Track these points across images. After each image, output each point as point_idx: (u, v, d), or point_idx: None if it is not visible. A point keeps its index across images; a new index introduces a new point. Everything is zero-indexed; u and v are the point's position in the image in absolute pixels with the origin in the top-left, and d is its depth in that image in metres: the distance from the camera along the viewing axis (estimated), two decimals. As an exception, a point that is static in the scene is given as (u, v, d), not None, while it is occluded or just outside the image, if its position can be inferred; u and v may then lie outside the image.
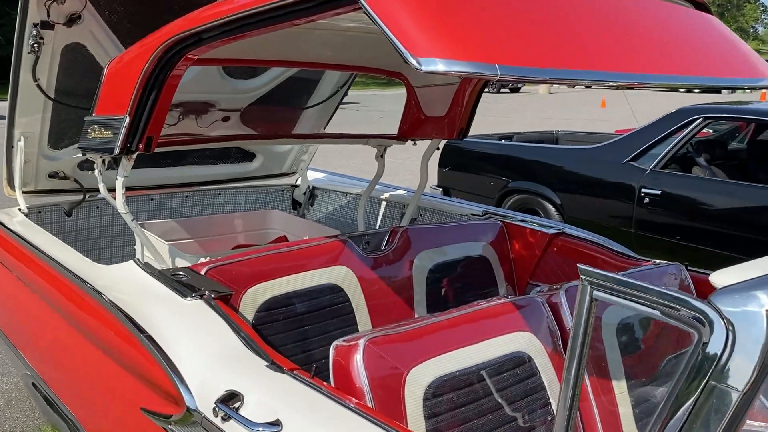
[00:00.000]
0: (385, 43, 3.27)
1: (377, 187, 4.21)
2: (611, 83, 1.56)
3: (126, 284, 2.28)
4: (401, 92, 3.64)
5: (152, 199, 4.05)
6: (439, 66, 1.41)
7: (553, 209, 6.03)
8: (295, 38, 2.86)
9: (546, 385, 2.02)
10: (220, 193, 4.37)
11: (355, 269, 2.68)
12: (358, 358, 1.73)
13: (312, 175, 4.63)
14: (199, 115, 3.83)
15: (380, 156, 3.82)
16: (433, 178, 7.41)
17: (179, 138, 3.12)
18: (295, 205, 4.69)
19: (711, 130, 6.62)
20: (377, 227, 4.18)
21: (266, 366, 1.77)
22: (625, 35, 1.73)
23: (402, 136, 3.69)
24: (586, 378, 2.14)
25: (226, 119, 3.96)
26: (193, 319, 2.02)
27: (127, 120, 2.41)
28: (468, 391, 1.84)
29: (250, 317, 2.38)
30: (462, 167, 6.81)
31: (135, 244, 3.49)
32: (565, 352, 2.14)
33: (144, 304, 2.12)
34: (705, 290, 2.61)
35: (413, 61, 1.42)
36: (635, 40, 1.75)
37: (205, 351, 1.88)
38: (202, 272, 2.35)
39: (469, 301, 3.02)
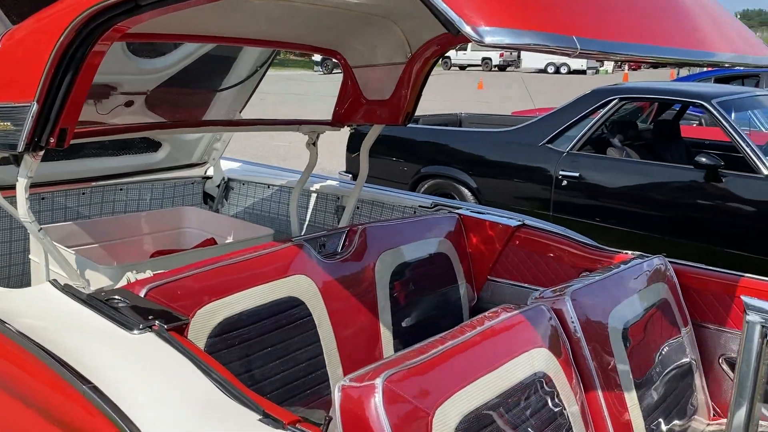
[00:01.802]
0: (324, 17, 2.93)
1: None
2: (692, 61, 1.32)
3: (46, 315, 1.82)
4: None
5: (43, 198, 3.47)
6: (506, 38, 1.10)
7: (468, 193, 5.88)
8: (229, 10, 2.45)
9: (566, 405, 1.79)
10: (121, 189, 3.83)
11: (314, 278, 2.34)
12: (377, 402, 1.40)
13: (226, 165, 4.18)
14: (98, 100, 3.29)
15: (312, 144, 3.45)
16: (340, 163, 7.08)
17: (92, 129, 2.61)
18: (207, 199, 4.22)
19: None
20: (306, 222, 3.82)
21: (259, 420, 1.41)
22: (674, 13, 1.50)
23: (338, 122, 3.35)
24: (600, 394, 1.93)
25: (129, 104, 3.44)
26: (147, 360, 1.61)
27: (35, 108, 1.92)
28: (495, 427, 1.57)
29: (202, 344, 1.98)
30: (372, 152, 6.49)
31: (30, 258, 2.94)
32: (575, 363, 1.92)
33: (76, 342, 1.68)
34: (687, 282, 2.48)
35: (471, 32, 1.10)
36: (683, 18, 1.52)
37: (171, 403, 1.48)
38: (141, 294, 1.92)
39: (433, 303, 2.77)
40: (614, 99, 5.29)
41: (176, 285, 2.00)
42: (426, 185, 6.18)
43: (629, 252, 2.67)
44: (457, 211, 3.05)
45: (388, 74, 3.12)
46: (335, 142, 5.95)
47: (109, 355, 1.63)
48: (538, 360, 1.76)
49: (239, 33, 2.80)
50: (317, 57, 40.15)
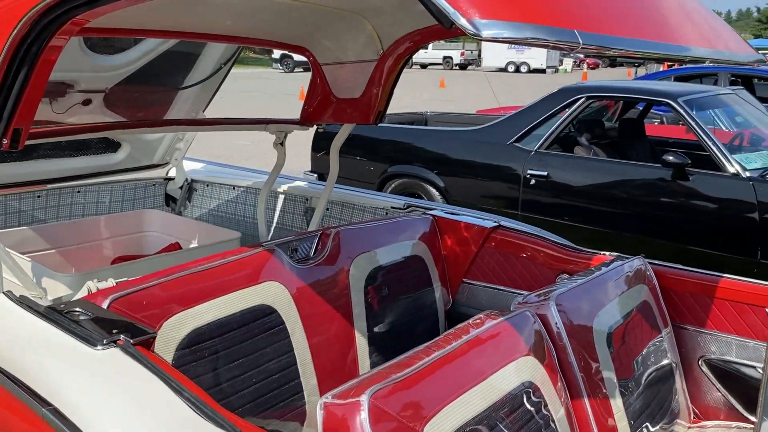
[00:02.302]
0: (292, 12, 2.83)
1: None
2: (690, 58, 1.26)
3: (0, 330, 1.68)
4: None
5: (-5, 202, 3.29)
6: (504, 31, 1.02)
7: (436, 193, 5.82)
8: (193, 4, 2.33)
9: (553, 414, 1.73)
10: (79, 191, 3.66)
11: (287, 284, 2.24)
12: (363, 420, 1.32)
13: (188, 166, 4.04)
14: (53, 98, 3.13)
15: (280, 144, 3.34)
16: (303, 162, 6.96)
17: (48, 129, 2.47)
18: (169, 201, 4.07)
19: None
20: (274, 224, 3.71)
21: (238, 443, 1.31)
22: (666, 10, 1.44)
23: (306, 121, 3.24)
24: (586, 402, 1.88)
25: (86, 102, 3.28)
26: (112, 378, 1.49)
27: None
28: None
29: (170, 358, 1.87)
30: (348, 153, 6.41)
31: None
32: (561, 370, 1.86)
33: (34, 359, 1.56)
34: (666, 283, 2.44)
35: (466, 25, 1.02)
36: (672, 13, 1.47)
37: (139, 425, 1.37)
38: (104, 305, 1.80)
39: (409, 308, 2.69)
40: (581, 97, 5.29)
41: (141, 295, 1.88)
42: (393, 185, 6.11)
43: (607, 253, 2.63)
44: (430, 212, 2.98)
45: (359, 72, 3.03)
46: (299, 143, 5.83)
47: (71, 373, 1.51)
48: (525, 369, 1.70)
49: (203, 28, 2.69)
50: (276, 54, 39.81)
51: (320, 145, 6.51)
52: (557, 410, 1.74)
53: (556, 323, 1.89)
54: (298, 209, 3.63)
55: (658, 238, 4.81)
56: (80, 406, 1.41)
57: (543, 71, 40.00)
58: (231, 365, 2.02)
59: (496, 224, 2.84)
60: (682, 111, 4.88)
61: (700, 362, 2.43)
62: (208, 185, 3.96)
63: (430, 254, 2.81)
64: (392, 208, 3.19)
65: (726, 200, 4.56)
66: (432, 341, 1.65)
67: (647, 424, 2.11)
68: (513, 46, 40.09)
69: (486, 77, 10.12)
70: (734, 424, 2.33)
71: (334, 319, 2.37)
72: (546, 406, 1.71)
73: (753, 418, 2.33)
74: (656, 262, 2.51)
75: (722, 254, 4.55)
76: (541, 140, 5.34)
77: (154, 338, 1.67)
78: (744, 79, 10.63)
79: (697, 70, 10.98)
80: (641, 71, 32.42)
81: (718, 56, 1.50)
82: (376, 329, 2.51)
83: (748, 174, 4.52)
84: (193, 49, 3.48)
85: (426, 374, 1.48)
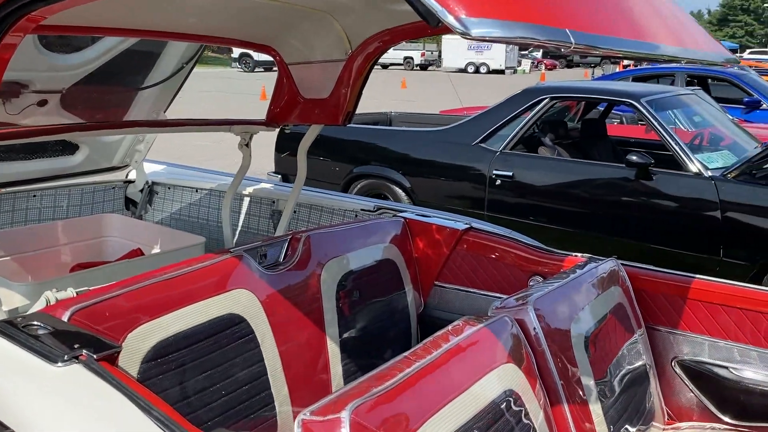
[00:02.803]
0: (258, 10, 2.75)
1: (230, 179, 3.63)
2: (676, 58, 1.23)
3: (-49, 347, 1.58)
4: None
5: (-56, 208, 3.14)
6: (494, 29, 0.98)
7: (402, 194, 5.78)
8: (155, 0, 2.24)
9: (534, 421, 1.69)
10: (35, 195, 3.52)
11: (256, 291, 2.16)
12: (344, 437, 1.26)
13: (149, 168, 3.92)
14: (7, 99, 3.00)
15: (245, 145, 3.26)
16: (265, 163, 6.85)
17: (2, 131, 2.34)
18: (129, 204, 3.95)
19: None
20: (239, 228, 3.62)
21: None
22: (651, 11, 1.42)
23: (273, 122, 3.17)
24: (566, 407, 1.85)
25: (42, 103, 3.15)
26: (75, 397, 1.41)
27: None
28: None
29: (134, 372, 1.78)
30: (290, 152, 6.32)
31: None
32: (540, 376, 1.82)
33: (-11, 378, 1.46)
34: (638, 285, 2.44)
35: (454, 23, 0.98)
36: (652, 15, 1.44)
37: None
38: (65, 317, 1.71)
39: (381, 313, 2.64)
40: (546, 98, 5.30)
41: (104, 306, 1.79)
42: (359, 185, 6.05)
43: (578, 254, 2.61)
44: (401, 214, 2.93)
45: (327, 72, 2.97)
46: (262, 143, 5.72)
47: (30, 392, 1.42)
48: (506, 377, 1.66)
49: (166, 26, 2.59)
50: (236, 53, 39.31)
51: (284, 145, 6.42)
52: (537, 418, 1.71)
53: (535, 328, 1.86)
54: (264, 212, 3.55)
55: (622, 238, 4.85)
56: (40, 427, 1.32)
57: (502, 72, 40.35)
58: (199, 377, 1.94)
59: (467, 226, 2.81)
60: (645, 111, 4.93)
61: (673, 363, 2.42)
62: (169, 188, 3.85)
63: (402, 257, 2.76)
64: (362, 210, 3.14)
65: (689, 199, 4.61)
66: (411, 350, 1.60)
67: (626, 427, 2.09)
68: (472, 46, 40.43)
69: (449, 78, 10.12)
70: (708, 425, 2.33)
71: (305, 326, 2.30)
72: (527, 414, 1.67)
73: (726, 419, 2.33)
74: (628, 263, 2.50)
75: (686, 253, 4.60)
76: (506, 141, 5.34)
77: (119, 352, 1.58)
78: (699, 80, 10.84)
79: (655, 70, 11.16)
80: (598, 72, 32.95)
81: (700, 57, 1.48)
82: (347, 335, 2.45)
83: (710, 173, 4.58)
84: (154, 47, 3.37)
85: (407, 386, 1.42)
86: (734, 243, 4.45)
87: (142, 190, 3.86)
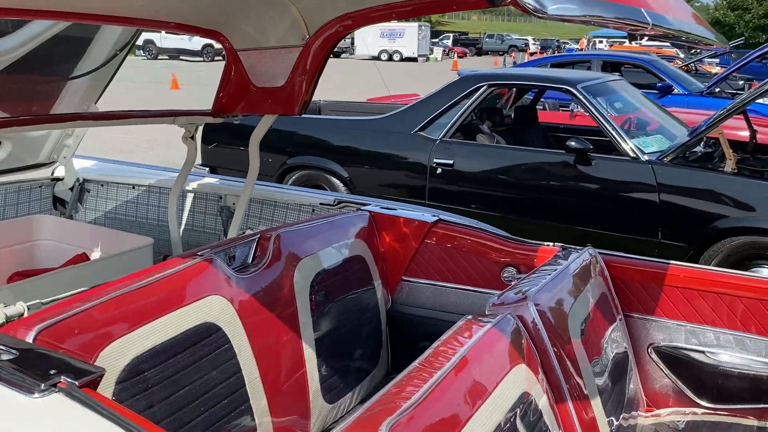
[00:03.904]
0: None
1: (173, 175, 3.41)
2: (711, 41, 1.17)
3: None
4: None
5: None
6: (572, 6, 0.88)
7: (340, 184, 5.64)
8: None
9: (547, 422, 1.62)
10: (-49, 197, 3.19)
11: (229, 297, 2.00)
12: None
13: (78, 164, 3.63)
14: None
15: (191, 137, 3.05)
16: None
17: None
18: (57, 204, 3.64)
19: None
20: (183, 225, 3.40)
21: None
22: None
23: (221, 112, 2.98)
24: (570, 404, 1.79)
25: (-41, 95, 2.85)
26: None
27: None
28: None
29: (109, 393, 1.60)
30: (231, 143, 6.08)
31: None
32: (544, 373, 1.76)
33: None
34: (614, 273, 2.42)
35: (532, 3, 0.87)
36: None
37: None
38: (29, 338, 1.50)
39: (353, 312, 2.51)
40: (483, 85, 5.28)
41: (71, 322, 1.59)
42: (294, 177, 5.87)
43: (551, 244, 2.58)
44: (365, 207, 2.81)
45: (281, 59, 2.80)
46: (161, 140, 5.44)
47: (8, 430, 1.22)
48: (519, 378, 1.58)
49: (101, 9, 2.37)
50: (139, 41, 37.62)
51: (211, 137, 6.15)
52: (550, 418, 1.64)
53: (537, 324, 1.79)
54: (211, 208, 3.35)
55: (563, 223, 4.90)
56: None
57: (415, 59, 40.60)
58: (178, 395, 1.77)
59: (436, 218, 2.72)
60: (581, 97, 4.99)
61: (649, 350, 2.43)
62: (103, 185, 3.57)
63: (370, 253, 2.65)
64: (321, 204, 3.00)
65: (627, 183, 4.71)
66: (423, 357, 1.49)
67: (615, 416, 2.07)
68: (385, 34, 40.45)
69: (375, 66, 10.02)
70: (688, 410, 2.35)
71: (281, 331, 2.16)
72: (541, 416, 1.60)
73: (703, 403, 2.36)
74: (604, 251, 2.48)
75: (625, 236, 4.69)
76: (446, 129, 5.29)
77: (102, 376, 1.40)
78: (612, 66, 11.19)
79: (571, 57, 11.44)
80: (509, 61, 33.65)
81: (717, 39, 1.43)
82: (322, 338, 2.32)
83: (646, 157, 4.68)
84: (84, 33, 3.10)
85: (436, 398, 1.32)
86: (671, 226, 4.57)
87: (72, 188, 3.57)
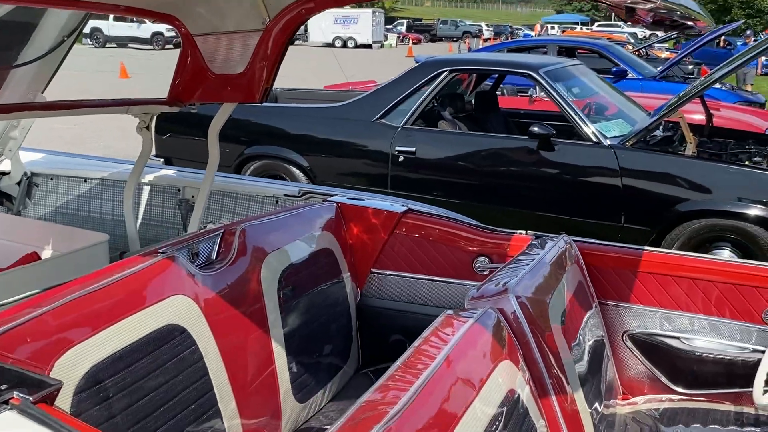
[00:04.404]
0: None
1: (130, 166, 3.26)
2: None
3: None
4: None
5: None
6: None
7: (300, 174, 5.52)
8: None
9: (533, 419, 1.57)
10: None
11: (194, 296, 1.89)
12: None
13: (26, 157, 3.44)
14: None
15: (146, 128, 2.91)
16: (133, 145, 6.34)
17: None
18: (2, 199, 3.45)
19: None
20: (140, 220, 3.25)
21: None
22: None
23: (177, 100, 2.84)
24: (553, 398, 1.74)
25: None
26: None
27: None
28: None
29: (66, 406, 1.48)
30: (186, 133, 5.89)
31: None
32: (527, 367, 1.70)
33: None
34: (588, 261, 2.38)
35: None
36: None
37: None
38: (-27, 349, 1.38)
39: (322, 308, 2.42)
40: (444, 71, 5.21)
41: (23, 330, 1.47)
42: (252, 167, 5.72)
43: (523, 232, 2.53)
44: (332, 198, 2.71)
45: (241, 44, 2.67)
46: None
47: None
48: (505, 375, 1.51)
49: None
50: (87, 29, 36.47)
51: (164, 126, 5.96)
52: (535, 415, 1.59)
53: (518, 317, 1.73)
54: (169, 201, 3.21)
55: (527, 209, 4.88)
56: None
57: (369, 46, 40.39)
58: (141, 403, 1.66)
59: (406, 208, 2.64)
60: (543, 82, 4.96)
61: (624, 337, 2.40)
62: (52, 179, 3.40)
63: (338, 245, 2.56)
64: (285, 195, 2.89)
65: (590, 168, 4.70)
66: (405, 357, 1.41)
67: (596, 405, 2.03)
68: (339, 20, 40.10)
69: (332, 53, 9.88)
70: (665, 396, 2.33)
71: (248, 330, 2.06)
72: (528, 413, 1.54)
73: (679, 389, 2.34)
74: (578, 238, 2.44)
75: (589, 221, 4.69)
76: (407, 116, 5.21)
77: (59, 389, 1.28)
78: (568, 51, 11.25)
79: (527, 42, 11.48)
80: (464, 47, 33.71)
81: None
82: (292, 335, 2.23)
83: (608, 142, 4.68)
84: (29, 18, 2.92)
85: (424, 401, 1.24)
86: (634, 209, 4.59)
87: (19, 183, 3.38)
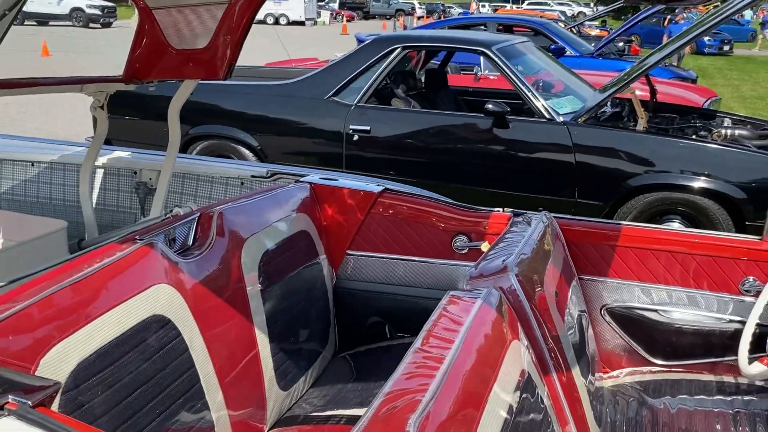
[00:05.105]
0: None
1: (81, 149, 3.09)
2: None
3: None
4: None
5: None
6: None
7: (250, 154, 5.37)
8: None
9: (543, 398, 1.55)
10: None
11: (177, 285, 1.79)
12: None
13: (-37, 141, 3.21)
14: None
15: (100, 107, 2.75)
16: (86, 128, 6.06)
17: None
18: (-60, 185, 3.22)
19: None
20: (94, 205, 3.08)
21: None
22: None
23: (134, 78, 2.69)
24: (554, 376, 1.73)
25: None
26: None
27: None
28: None
29: (55, 406, 1.37)
30: (126, 113, 5.64)
31: None
32: (534, 351, 1.68)
33: None
34: (568, 237, 2.38)
35: None
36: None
37: None
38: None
39: (301, 292, 2.35)
40: (397, 47, 5.13)
41: (5, 327, 1.35)
42: (198, 147, 5.53)
43: (500, 210, 2.51)
44: (304, 179, 2.63)
45: (204, 18, 2.54)
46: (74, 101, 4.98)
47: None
48: (516, 357, 1.49)
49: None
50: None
51: (117, 106, 5.67)
52: (542, 391, 1.57)
53: (519, 295, 1.71)
54: (125, 185, 3.06)
55: (483, 186, 4.88)
56: None
57: (302, 23, 39.77)
58: (129, 399, 1.56)
59: (382, 188, 2.58)
60: (496, 59, 4.95)
61: (602, 311, 2.42)
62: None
63: (314, 227, 2.48)
64: (252, 177, 2.78)
65: (544, 145, 4.74)
66: (420, 342, 1.36)
67: (589, 380, 2.04)
68: (271, -3, 39.26)
69: (275, 30, 9.63)
70: (645, 369, 2.36)
71: (232, 318, 1.97)
72: (536, 389, 1.52)
73: (657, 361, 2.38)
74: (556, 215, 2.43)
75: (544, 197, 4.73)
76: (360, 94, 5.12)
77: (57, 390, 1.18)
78: (506, 28, 11.32)
79: (467, 20, 11.49)
80: (398, 24, 33.51)
81: None
82: (275, 322, 2.15)
83: (561, 119, 4.72)
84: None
85: (452, 387, 1.20)
86: (587, 185, 4.65)
87: (-41, 168, 3.16)
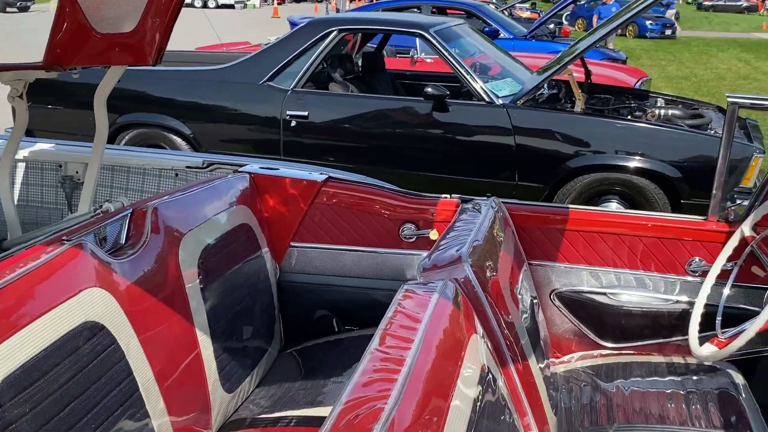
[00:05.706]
0: None
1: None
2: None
3: None
4: None
5: None
6: None
7: (182, 142, 5.17)
8: None
9: (502, 392, 1.50)
10: None
11: (110, 288, 1.66)
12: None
13: None
14: None
15: (19, 96, 2.55)
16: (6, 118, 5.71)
17: None
18: None
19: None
20: (16, 201, 2.88)
21: None
22: None
23: (55, 64, 2.50)
24: (512, 367, 1.69)
25: None
26: None
27: None
28: None
29: (-24, 429, 1.24)
30: (49, 102, 5.34)
31: None
32: (491, 342, 1.63)
33: None
34: (516, 222, 2.34)
35: None
36: None
37: None
38: None
39: (244, 288, 2.24)
40: (333, 30, 5.01)
41: None
42: (127, 137, 5.29)
43: (448, 196, 2.45)
44: (243, 168, 2.51)
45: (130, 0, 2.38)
46: None
47: None
48: (476, 351, 1.43)
49: None
50: None
51: (37, 94, 5.36)
52: (503, 387, 1.52)
53: (475, 286, 1.65)
54: (50, 179, 2.86)
55: (423, 171, 4.84)
56: None
57: (232, 7, 38.91)
58: (62, 414, 1.44)
59: (325, 177, 2.49)
60: (434, 41, 4.89)
61: (551, 296, 2.40)
62: None
63: (255, 219, 2.37)
64: (187, 168, 2.64)
65: (484, 128, 4.72)
66: (376, 343, 1.28)
67: (542, 367, 2.01)
68: (199, -20, 38.15)
69: (204, 14, 9.31)
70: (595, 352, 2.36)
71: (171, 320, 1.85)
72: (497, 384, 1.47)
73: (607, 344, 2.37)
74: (503, 200, 2.39)
75: (485, 180, 4.72)
76: (297, 78, 4.99)
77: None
78: (439, 10, 11.29)
79: (401, 2, 11.39)
80: (330, 7, 33.12)
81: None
82: (217, 321, 2.04)
83: (501, 101, 4.70)
84: None
85: (414, 391, 1.13)
86: (528, 167, 4.66)
87: None
